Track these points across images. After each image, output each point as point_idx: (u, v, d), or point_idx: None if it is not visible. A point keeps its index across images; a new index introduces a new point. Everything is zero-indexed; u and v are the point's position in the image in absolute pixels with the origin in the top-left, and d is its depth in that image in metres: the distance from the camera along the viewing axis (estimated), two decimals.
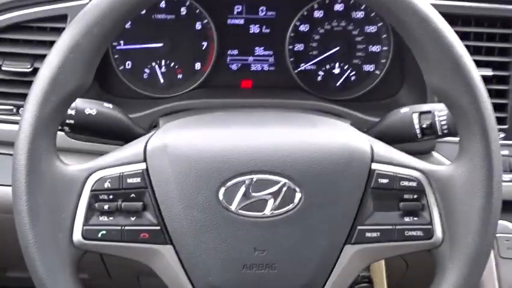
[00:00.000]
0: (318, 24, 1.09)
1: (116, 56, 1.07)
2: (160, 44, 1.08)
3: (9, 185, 0.74)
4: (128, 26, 1.07)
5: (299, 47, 1.09)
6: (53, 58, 0.75)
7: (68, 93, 0.75)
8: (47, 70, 0.74)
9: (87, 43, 0.74)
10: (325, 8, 1.09)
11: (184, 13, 1.07)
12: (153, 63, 1.08)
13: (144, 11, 1.04)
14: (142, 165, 0.78)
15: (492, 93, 1.01)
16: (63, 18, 0.95)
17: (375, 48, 1.09)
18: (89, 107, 0.89)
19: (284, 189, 0.77)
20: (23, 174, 0.74)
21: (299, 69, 1.09)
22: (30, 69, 0.92)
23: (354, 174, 0.79)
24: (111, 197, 0.77)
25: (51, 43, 0.75)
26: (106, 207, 0.77)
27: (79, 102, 0.88)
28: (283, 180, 0.77)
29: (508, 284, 1.08)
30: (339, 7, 1.09)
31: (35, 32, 1.01)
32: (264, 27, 1.09)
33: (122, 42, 1.07)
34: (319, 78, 1.09)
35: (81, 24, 0.75)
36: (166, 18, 1.08)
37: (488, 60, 1.05)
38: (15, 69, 1.00)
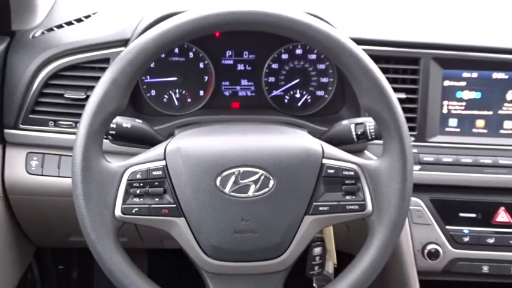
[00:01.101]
0: (285, 63, 1.09)
1: (144, 87, 1.09)
2: (175, 78, 1.09)
3: (70, 177, 0.75)
4: (152, 65, 1.08)
5: (271, 79, 1.10)
6: (99, 89, 0.76)
7: (110, 113, 0.77)
8: (94, 97, 0.76)
9: (122, 78, 0.76)
10: (289, 52, 1.09)
11: (191, 56, 1.08)
12: (170, 91, 1.09)
13: (163, 55, 1.06)
14: (163, 162, 0.79)
15: (405, 110, 1.02)
16: (106, 60, 0.97)
17: (324, 80, 1.10)
18: (125, 122, 0.90)
19: (262, 177, 0.78)
20: (79, 169, 0.75)
21: (272, 95, 1.10)
22: (84, 97, 0.94)
23: (310, 167, 0.80)
24: (141, 184, 0.78)
25: (99, 78, 0.77)
26: (138, 192, 0.78)
27: (118, 119, 0.90)
28: (261, 172, 0.78)
29: (419, 240, 1.08)
30: (299, 51, 1.09)
31: (88, 70, 1.02)
32: (247, 65, 1.09)
33: (148, 76, 1.09)
34: (286, 100, 1.10)
35: (118, 65, 0.76)
36: (179, 60, 1.08)
37: (402, 87, 1.05)
38: (74, 96, 1.01)
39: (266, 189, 0.79)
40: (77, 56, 1.03)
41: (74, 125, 0.86)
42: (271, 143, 0.82)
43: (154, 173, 0.79)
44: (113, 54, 0.98)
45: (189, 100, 1.09)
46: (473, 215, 1.08)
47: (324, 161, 0.81)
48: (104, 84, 0.76)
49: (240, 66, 1.09)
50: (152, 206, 0.78)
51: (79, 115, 0.77)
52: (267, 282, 0.82)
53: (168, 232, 0.80)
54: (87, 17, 1.12)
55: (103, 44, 1.03)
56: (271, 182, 0.79)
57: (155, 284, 0.82)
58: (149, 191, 0.78)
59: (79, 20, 1.11)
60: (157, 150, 0.81)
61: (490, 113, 1.08)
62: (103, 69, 0.78)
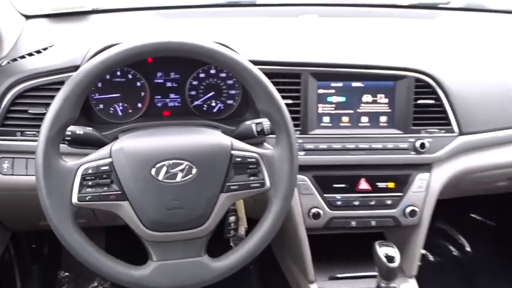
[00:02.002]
0: (202, 80, 1.10)
1: (94, 102, 1.07)
2: (118, 94, 1.08)
3: (34, 175, 0.74)
4: (99, 85, 1.06)
5: (193, 92, 1.10)
6: (53, 106, 0.76)
7: (63, 124, 0.77)
8: (50, 112, 0.76)
9: (72, 96, 0.76)
10: (206, 71, 1.10)
11: (130, 77, 1.07)
12: (115, 105, 1.08)
13: (108, 77, 1.05)
14: (109, 159, 0.80)
15: (291, 112, 1.04)
16: (61, 83, 0.96)
17: (232, 92, 1.11)
18: (78, 129, 0.90)
19: (187, 167, 0.80)
20: (41, 168, 0.75)
21: (193, 104, 1.11)
22: (44, 112, 0.92)
23: (223, 157, 0.82)
24: (92, 177, 0.78)
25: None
26: (90, 183, 0.78)
27: (73, 127, 0.89)
28: (186, 163, 0.80)
29: (306, 206, 1.11)
30: (212, 71, 1.10)
31: (47, 91, 1.01)
32: (174, 83, 1.09)
33: (97, 94, 1.07)
34: (204, 108, 1.11)
35: (68, 86, 0.77)
36: (121, 80, 1.07)
37: (289, 95, 1.08)
38: (36, 112, 1.00)
39: (190, 176, 0.81)
40: (37, 80, 1.01)
41: (37, 134, 0.84)
42: (193, 140, 0.84)
43: (102, 168, 0.79)
44: (66, 78, 0.96)
45: (130, 111, 1.08)
46: (343, 185, 1.12)
47: (233, 152, 0.83)
48: (57, 101, 0.76)
49: (169, 84, 1.09)
50: (102, 193, 0.79)
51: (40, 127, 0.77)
52: (194, 244, 0.84)
53: (116, 213, 0.80)
54: (45, 49, 1.09)
55: (58, 70, 1.01)
56: (194, 170, 0.81)
57: (108, 255, 0.82)
58: (99, 182, 0.78)
59: (38, 52, 1.08)
60: (104, 150, 0.82)
61: (352, 111, 1.12)
62: (59, 90, 0.77)
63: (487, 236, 1.91)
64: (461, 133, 1.15)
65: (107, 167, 0.79)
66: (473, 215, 1.95)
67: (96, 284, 1.71)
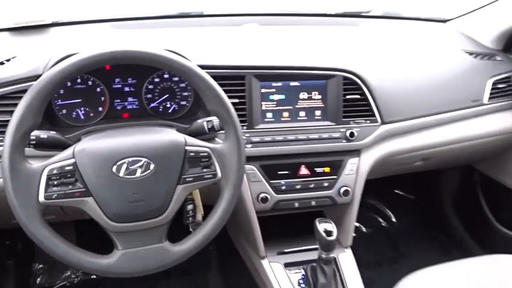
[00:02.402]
0: (157, 84, 1.08)
1: (57, 107, 1.03)
2: (80, 100, 1.04)
3: (1, 177, 0.71)
4: (61, 92, 1.02)
5: (149, 96, 1.08)
6: (16, 113, 0.73)
7: (26, 129, 0.74)
8: (13, 119, 0.73)
9: (34, 103, 0.72)
10: (160, 76, 1.08)
11: (90, 84, 1.04)
12: (77, 109, 1.04)
13: (69, 84, 1.01)
14: (73, 160, 0.78)
15: (238, 109, 1.05)
16: (24, 91, 0.90)
17: (185, 93, 1.10)
18: (42, 134, 0.86)
19: (145, 163, 0.79)
20: (7, 171, 0.72)
21: (150, 106, 1.08)
22: (9, 119, 0.88)
23: (178, 152, 0.81)
24: (57, 177, 0.76)
25: None
26: (55, 182, 0.76)
27: (37, 132, 0.86)
28: (144, 159, 0.79)
29: (255, 192, 1.12)
30: (166, 76, 1.08)
31: (11, 99, 0.95)
32: (131, 87, 1.07)
33: (59, 100, 1.03)
34: (160, 109, 1.09)
35: (30, 94, 0.74)
36: (82, 87, 1.04)
37: (235, 95, 1.08)
38: (1, 119, 0.94)
39: (149, 171, 0.79)
40: (1, 90, 0.96)
41: (3, 140, 0.80)
42: (150, 139, 0.83)
43: (66, 168, 0.77)
44: (28, 87, 0.91)
45: (91, 114, 1.05)
46: (286, 172, 1.14)
47: (187, 147, 0.82)
48: (20, 109, 0.73)
49: (126, 88, 1.06)
50: (67, 191, 0.76)
51: None
52: (155, 232, 0.83)
53: (81, 208, 0.78)
54: (8, 60, 1.03)
55: (21, 79, 0.96)
56: (152, 166, 0.80)
57: (76, 247, 0.80)
58: (64, 181, 0.76)
59: (1, 63, 1.02)
60: (68, 152, 0.79)
61: (291, 107, 1.14)
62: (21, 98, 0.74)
63: (409, 208, 1.99)
64: (383, 122, 1.19)
65: (70, 167, 0.77)
66: (397, 191, 2.03)
67: (69, 273, 1.66)
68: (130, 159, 0.78)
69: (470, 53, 1.41)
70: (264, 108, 1.12)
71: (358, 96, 1.16)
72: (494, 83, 1.37)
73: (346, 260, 1.18)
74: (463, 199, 1.76)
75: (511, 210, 1.53)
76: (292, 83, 1.13)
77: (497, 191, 1.58)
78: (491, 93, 1.36)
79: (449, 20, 1.61)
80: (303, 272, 1.13)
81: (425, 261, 1.12)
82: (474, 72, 1.37)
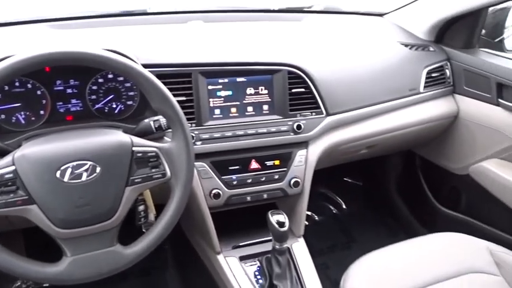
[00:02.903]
0: (101, 85, 1.04)
1: None
2: (19, 104, 0.98)
3: None
4: None
5: (93, 97, 1.04)
6: None
7: None
8: None
9: None
10: (104, 76, 1.04)
11: (30, 87, 0.99)
12: (17, 114, 0.98)
13: (6, 88, 0.96)
14: (13, 167, 0.74)
15: (186, 107, 1.05)
16: None
17: (131, 93, 1.07)
18: None
19: (90, 167, 0.76)
20: None
21: (95, 108, 1.04)
22: None
23: (124, 154, 0.79)
24: None
25: None
26: None
27: None
28: (90, 163, 0.77)
29: (207, 188, 1.11)
30: (110, 76, 1.05)
31: None
32: (74, 89, 1.02)
33: None
34: (106, 110, 1.05)
35: None
36: (21, 90, 0.98)
37: (182, 93, 1.07)
38: None
39: (95, 174, 0.77)
40: None
41: None
42: (95, 141, 0.81)
43: (6, 176, 0.73)
44: None
45: (33, 118, 1.00)
46: (237, 167, 1.14)
47: (134, 148, 0.81)
48: None
49: (69, 90, 1.02)
50: (9, 200, 0.72)
51: None
52: (105, 236, 0.81)
53: (25, 217, 0.75)
54: None
55: None
56: (98, 169, 0.77)
57: (22, 257, 0.76)
58: (4, 190, 0.72)
59: None
60: (7, 159, 0.75)
61: (239, 103, 1.14)
62: None
63: (357, 194, 2.06)
64: (328, 114, 1.22)
65: (11, 175, 0.73)
66: (345, 179, 2.09)
67: (19, 283, 1.59)
68: (74, 163, 0.76)
69: (406, 45, 1.47)
70: (211, 105, 1.11)
71: (303, 90, 1.18)
72: (428, 72, 1.44)
73: (300, 249, 1.21)
74: (406, 183, 1.84)
75: (449, 190, 1.62)
76: (239, 79, 1.13)
77: (436, 174, 1.66)
78: (426, 82, 1.43)
79: (385, 13, 1.67)
80: (259, 264, 1.15)
81: (375, 244, 1.17)
82: (410, 62, 1.43)
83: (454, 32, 1.51)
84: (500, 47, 1.47)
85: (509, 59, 1.37)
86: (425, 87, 1.44)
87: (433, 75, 1.46)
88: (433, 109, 1.46)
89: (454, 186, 1.59)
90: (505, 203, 1.30)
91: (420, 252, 1.12)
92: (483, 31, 1.49)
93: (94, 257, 0.80)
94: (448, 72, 1.49)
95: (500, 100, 1.34)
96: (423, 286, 1.00)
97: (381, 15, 1.68)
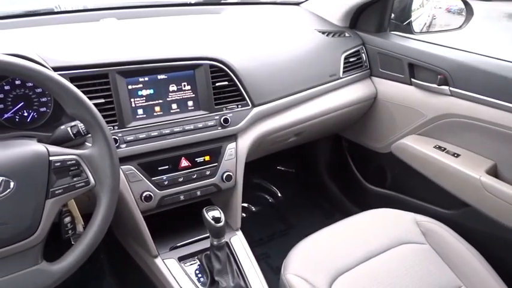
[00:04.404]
0: (8, 92, 0.97)
1: None
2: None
3: None
4: None
5: (0, 106, 0.95)
6: None
7: None
8: None
9: None
10: (10, 83, 0.97)
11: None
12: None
13: None
14: None
15: (106, 109, 1.00)
16: None
17: (44, 99, 1.00)
18: None
19: (3, 182, 0.72)
20: None
21: (3, 118, 0.96)
22: None
23: (40, 165, 0.75)
24: None
25: None
26: None
27: None
28: (2, 178, 0.72)
29: (137, 191, 1.08)
30: (18, 82, 0.97)
31: None
32: None
33: None
34: (17, 119, 0.98)
35: None
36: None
37: (100, 94, 1.02)
38: None
39: (9, 190, 0.72)
40: None
41: None
42: (5, 154, 0.75)
43: None
44: None
45: None
46: (167, 167, 1.12)
47: (51, 158, 0.76)
48: None
49: None
50: None
51: None
52: (28, 254, 0.76)
53: None
54: None
55: None
56: (12, 184, 0.72)
57: None
58: None
59: None
60: None
61: (162, 101, 1.12)
62: None
63: (291, 181, 2.12)
64: (254, 105, 1.23)
65: None
66: (279, 167, 2.13)
67: None
68: None
69: (323, 32, 1.52)
70: (133, 105, 1.07)
71: (226, 83, 1.18)
72: (346, 58, 1.51)
73: (238, 242, 1.21)
74: (336, 165, 1.92)
75: (375, 169, 1.72)
76: (160, 76, 1.10)
77: (362, 154, 1.75)
78: (344, 67, 1.50)
79: (301, 2, 1.71)
80: (198, 262, 1.14)
81: (312, 228, 1.21)
82: (328, 49, 1.49)
83: (366, 17, 1.59)
84: (409, 29, 1.57)
85: (418, 40, 1.47)
86: (344, 72, 1.50)
87: (351, 60, 1.53)
88: (353, 93, 1.53)
89: (379, 164, 1.67)
90: (426, 175, 1.39)
91: (354, 230, 1.18)
92: (392, 15, 1.58)
93: (18, 278, 0.74)
94: (364, 56, 1.56)
95: (412, 79, 1.43)
96: (359, 263, 1.05)
97: (297, 4, 1.72)
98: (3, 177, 0.71)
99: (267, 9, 1.66)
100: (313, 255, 1.09)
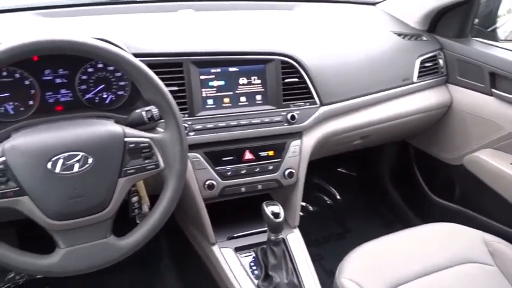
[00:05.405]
0: (91, 74, 1.02)
1: None
2: (8, 94, 0.96)
3: None
4: None
5: (83, 87, 1.02)
6: None
7: None
8: None
9: None
10: (94, 66, 1.02)
11: (17, 76, 0.97)
12: (5, 104, 0.96)
13: None
14: (3, 158, 0.73)
15: (179, 97, 1.04)
16: None
17: (122, 83, 1.05)
18: None
19: (82, 158, 0.75)
20: None
21: (85, 98, 1.02)
22: None
23: (116, 144, 0.79)
24: None
25: None
26: None
27: None
28: (81, 153, 0.76)
29: (201, 179, 1.11)
30: (100, 65, 1.03)
31: None
32: (63, 79, 1.00)
33: None
34: (97, 100, 1.03)
35: None
36: (8, 80, 0.96)
37: (174, 82, 1.06)
38: None
39: (87, 165, 0.76)
40: None
41: None
42: (86, 132, 0.80)
43: None
44: None
45: (21, 109, 0.98)
46: (231, 158, 1.13)
47: (126, 139, 0.80)
48: None
49: (58, 80, 1.00)
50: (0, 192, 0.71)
51: None
52: (98, 227, 0.80)
53: (16, 209, 0.74)
54: None
55: None
56: (90, 160, 0.77)
57: (14, 248, 0.76)
58: None
59: None
60: None
61: (231, 93, 1.13)
62: None
63: (351, 184, 2.07)
64: (322, 104, 1.21)
65: (1, 166, 0.72)
66: (339, 169, 2.10)
67: (12, 274, 1.59)
68: (66, 154, 0.75)
69: (399, 34, 1.47)
70: (204, 95, 1.10)
71: (296, 80, 1.18)
72: (421, 62, 1.44)
73: (295, 239, 1.21)
74: (401, 173, 1.85)
75: (443, 181, 1.63)
76: (231, 69, 1.12)
77: (430, 164, 1.67)
78: (419, 72, 1.43)
79: (378, 2, 1.67)
80: (254, 255, 1.15)
81: (370, 234, 1.17)
82: (403, 52, 1.43)
83: (447, 21, 1.51)
84: (493, 36, 1.47)
85: (502, 48, 1.38)
86: (418, 77, 1.44)
87: (426, 64, 1.46)
88: (426, 99, 1.46)
89: (448, 176, 1.59)
90: (499, 193, 1.31)
91: (415, 242, 1.13)
92: (476, 20, 1.49)
93: (88, 248, 0.79)
94: (441, 61, 1.49)
95: (493, 90, 1.34)
96: (418, 276, 1.00)
97: (373, 4, 1.68)
98: (83, 153, 0.76)
99: (341, 8, 1.63)
100: (370, 262, 1.06)
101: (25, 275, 1.58)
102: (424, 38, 1.51)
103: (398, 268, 1.03)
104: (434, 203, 1.66)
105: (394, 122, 1.40)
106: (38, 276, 1.57)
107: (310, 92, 1.19)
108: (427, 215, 1.68)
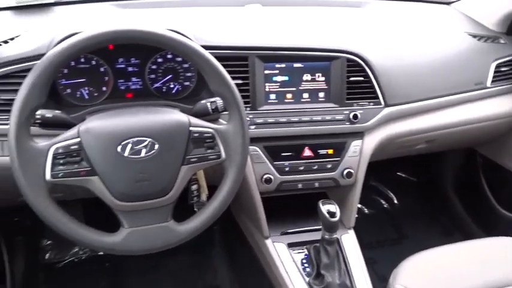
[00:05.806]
0: (160, 65, 1.06)
1: (61, 87, 1.01)
2: (84, 79, 1.02)
3: (7, 155, 0.71)
4: (65, 71, 1.01)
5: (152, 76, 1.06)
6: (20, 92, 0.73)
7: (32, 108, 0.74)
8: (18, 98, 0.72)
9: (38, 82, 0.72)
10: (163, 56, 1.06)
11: (94, 63, 1.02)
12: (81, 89, 1.02)
13: (73, 63, 1.00)
14: (78, 139, 0.78)
15: (242, 91, 1.04)
16: (29, 70, 0.88)
17: (188, 74, 1.08)
18: (48, 113, 0.87)
19: (149, 143, 0.78)
20: (14, 150, 0.73)
21: (154, 87, 1.06)
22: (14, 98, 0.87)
23: (181, 133, 0.81)
24: (63, 156, 0.75)
25: None
26: (61, 161, 0.76)
27: (43, 111, 0.86)
28: (149, 139, 0.79)
29: (258, 173, 1.12)
30: (169, 56, 1.06)
31: (16, 78, 0.95)
32: (135, 67, 1.05)
33: (63, 79, 1.01)
34: (164, 90, 1.07)
35: (34, 73, 0.73)
36: (85, 66, 1.02)
37: (239, 76, 1.07)
38: (7, 98, 0.94)
39: (153, 151, 0.79)
40: (6, 68, 0.95)
41: (8, 118, 0.79)
42: (154, 119, 0.83)
43: (72, 147, 0.77)
44: (32, 66, 0.90)
45: (95, 94, 1.03)
46: (290, 154, 1.13)
47: (191, 128, 0.82)
48: (24, 88, 0.73)
49: (130, 68, 1.05)
50: (73, 170, 0.76)
51: None
52: (160, 211, 0.83)
53: (87, 187, 0.78)
54: (12, 39, 1.02)
55: (25, 58, 0.95)
56: (156, 146, 0.79)
57: (82, 224, 0.80)
58: (70, 160, 0.76)
59: (6, 42, 1.01)
60: (73, 131, 0.79)
61: (294, 89, 1.13)
62: (26, 77, 0.74)
63: (410, 190, 2.00)
64: (386, 105, 1.18)
65: (76, 146, 0.77)
66: (399, 173, 2.03)
67: (77, 249, 1.69)
68: (135, 139, 0.78)
69: (474, 36, 1.39)
70: (267, 89, 1.10)
71: (361, 79, 1.15)
72: (497, 66, 1.36)
73: (349, 240, 1.19)
74: (465, 181, 1.76)
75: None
76: (296, 65, 1.12)
77: (499, 174, 1.57)
78: (494, 77, 1.35)
79: (453, 1, 1.58)
80: (306, 252, 1.14)
81: (427, 242, 1.13)
82: (477, 55, 1.35)
83: None
84: None
85: None
86: (493, 81, 1.35)
87: (503, 69, 1.37)
88: (499, 105, 1.38)
89: None
90: None
91: (477, 255, 1.07)
92: None
93: (149, 230, 0.82)
94: None
95: None
96: None
97: (447, 3, 1.60)
98: (150, 139, 0.79)
99: (413, 7, 1.57)
100: (427, 272, 1.02)
101: (88, 250, 1.68)
102: (502, 41, 1.42)
103: (457, 281, 0.98)
104: (500, 215, 1.57)
105: (462, 127, 1.33)
106: (100, 253, 1.66)
107: (375, 92, 1.16)
108: (491, 227, 1.59)
